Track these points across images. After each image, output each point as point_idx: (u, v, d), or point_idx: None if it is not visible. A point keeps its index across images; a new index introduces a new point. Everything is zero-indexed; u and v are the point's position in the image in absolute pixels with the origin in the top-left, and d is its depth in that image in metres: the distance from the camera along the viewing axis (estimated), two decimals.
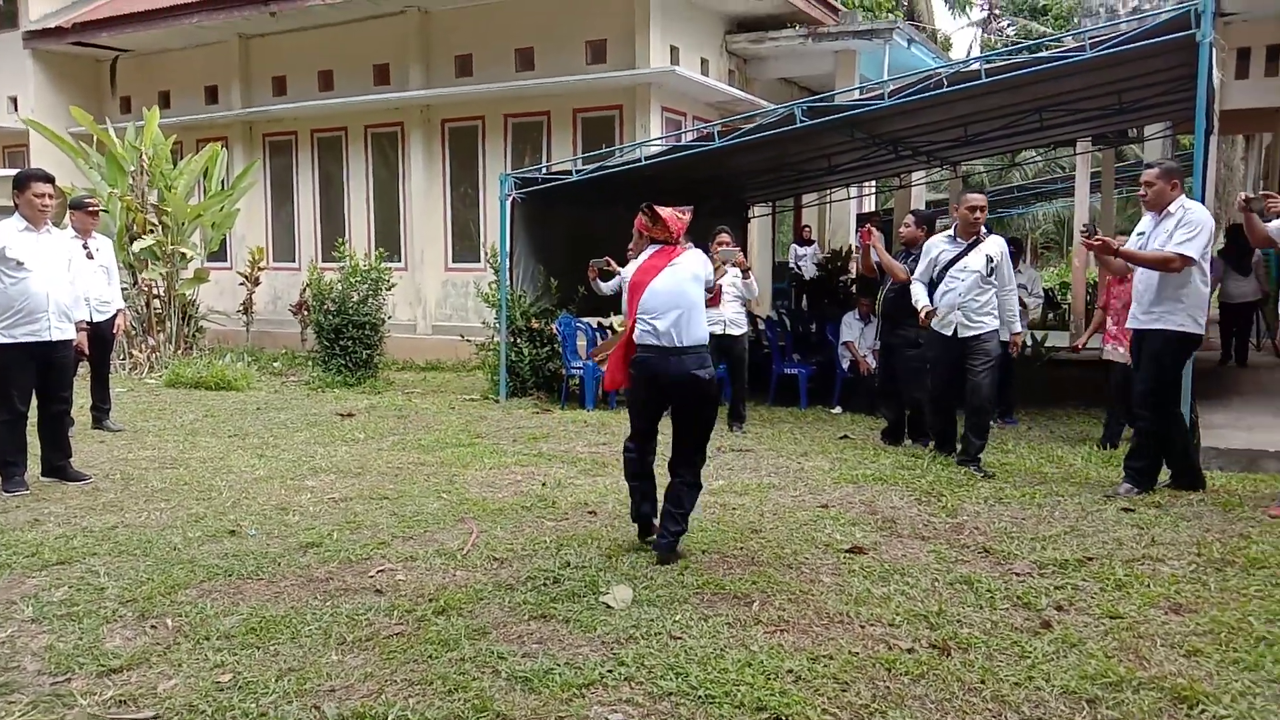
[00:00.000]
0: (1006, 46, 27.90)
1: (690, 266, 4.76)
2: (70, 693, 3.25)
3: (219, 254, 15.76)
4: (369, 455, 7.27)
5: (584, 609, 3.95)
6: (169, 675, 3.39)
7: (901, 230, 8.06)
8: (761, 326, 11.77)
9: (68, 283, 6.39)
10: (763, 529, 5.17)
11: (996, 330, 6.77)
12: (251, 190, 14.98)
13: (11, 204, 6.19)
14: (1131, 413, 7.46)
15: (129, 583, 4.32)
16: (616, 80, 12.99)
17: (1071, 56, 7.67)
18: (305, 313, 13.71)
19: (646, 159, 9.79)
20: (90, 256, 8.17)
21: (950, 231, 6.98)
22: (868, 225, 8.19)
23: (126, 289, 11.35)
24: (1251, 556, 4.53)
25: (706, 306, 4.88)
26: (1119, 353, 7.27)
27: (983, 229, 6.83)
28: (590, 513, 5.55)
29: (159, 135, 13.21)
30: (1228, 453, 6.58)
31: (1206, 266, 5.69)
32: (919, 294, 6.93)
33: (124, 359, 12.46)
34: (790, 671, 3.35)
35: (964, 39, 38.03)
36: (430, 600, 4.07)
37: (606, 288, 9.25)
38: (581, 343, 10.27)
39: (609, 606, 3.98)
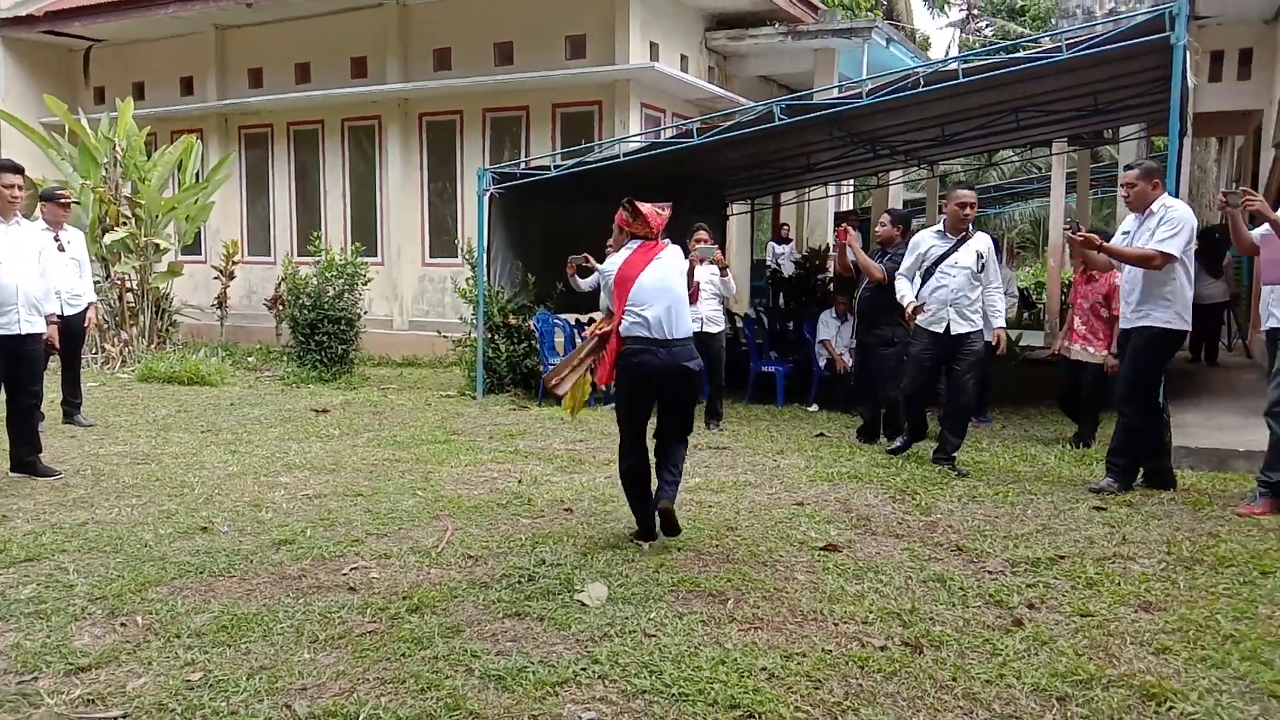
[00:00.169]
0: (984, 47, 28.06)
1: (674, 261, 4.88)
2: (37, 692, 3.21)
3: (193, 247, 15.59)
4: (343, 452, 7.22)
5: (559, 607, 3.95)
6: (138, 674, 3.35)
7: (878, 230, 8.09)
8: (739, 324, 11.79)
9: (38, 275, 6.32)
10: (738, 526, 5.18)
11: (982, 330, 6.80)
12: (226, 183, 14.85)
13: None
14: (1094, 411, 7.57)
15: (98, 580, 4.27)
16: (596, 76, 12.96)
17: (1048, 58, 7.72)
18: (280, 307, 13.60)
19: (625, 155, 9.78)
20: (61, 249, 8.08)
21: (939, 227, 6.91)
22: (844, 225, 8.21)
23: (99, 282, 11.23)
24: (1220, 555, 4.58)
25: None
26: (1089, 353, 7.32)
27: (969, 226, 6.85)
28: (566, 510, 5.54)
29: (133, 127, 13.07)
30: (1198, 452, 6.65)
31: (1190, 264, 5.76)
32: (905, 289, 6.85)
33: (96, 353, 12.33)
34: (764, 669, 3.36)
35: (942, 39, 38.20)
36: (404, 598, 4.05)
37: (585, 284, 9.27)
38: (559, 339, 10.25)
39: (584, 604, 3.97)
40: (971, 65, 8.22)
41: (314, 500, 5.75)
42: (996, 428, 8.51)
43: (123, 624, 3.80)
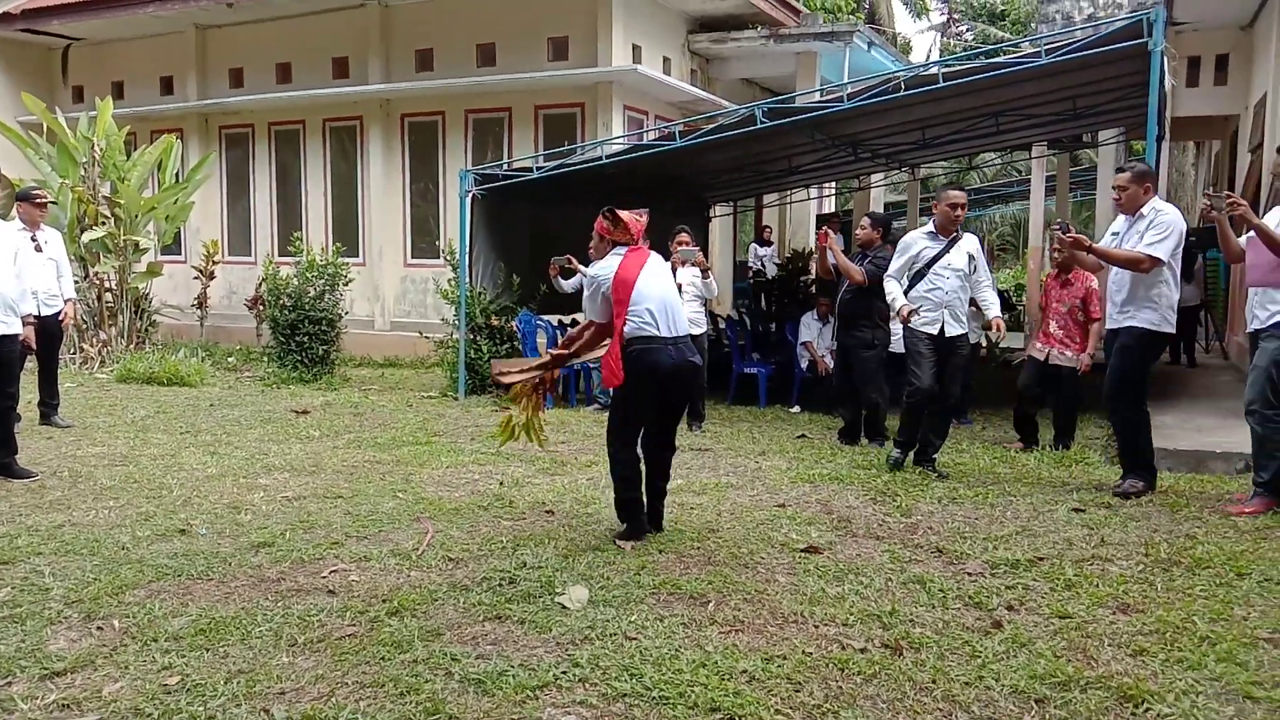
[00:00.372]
0: (965, 51, 28.22)
1: (663, 265, 5.11)
2: (10, 697, 3.18)
3: (173, 247, 15.52)
4: (324, 453, 7.19)
5: (539, 610, 3.94)
6: (114, 678, 3.32)
7: (858, 233, 8.10)
8: (722, 326, 11.81)
9: (13, 276, 6.27)
10: (720, 528, 5.19)
11: (968, 333, 6.81)
12: (207, 183, 14.77)
13: None
14: (1072, 413, 7.62)
15: (75, 583, 4.24)
16: (578, 78, 12.96)
17: (1028, 63, 7.78)
18: (261, 308, 13.54)
19: (608, 157, 9.78)
20: (39, 249, 8.01)
21: (930, 228, 6.78)
22: (824, 228, 8.23)
23: (77, 282, 11.13)
24: (1197, 557, 4.61)
25: None
26: (1066, 356, 7.36)
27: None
28: (548, 512, 5.53)
29: (112, 126, 12.97)
30: (1176, 453, 6.69)
31: (1177, 268, 5.80)
32: (895, 291, 6.68)
33: (74, 353, 12.23)
34: (744, 672, 3.36)
35: (923, 43, 38.40)
36: (384, 601, 4.03)
37: (568, 285, 9.31)
38: (541, 340, 10.23)
39: (565, 607, 3.97)
40: (952, 70, 8.27)
41: (294, 502, 5.72)
42: (977, 429, 8.56)
43: (99, 627, 3.76)
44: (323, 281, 11.55)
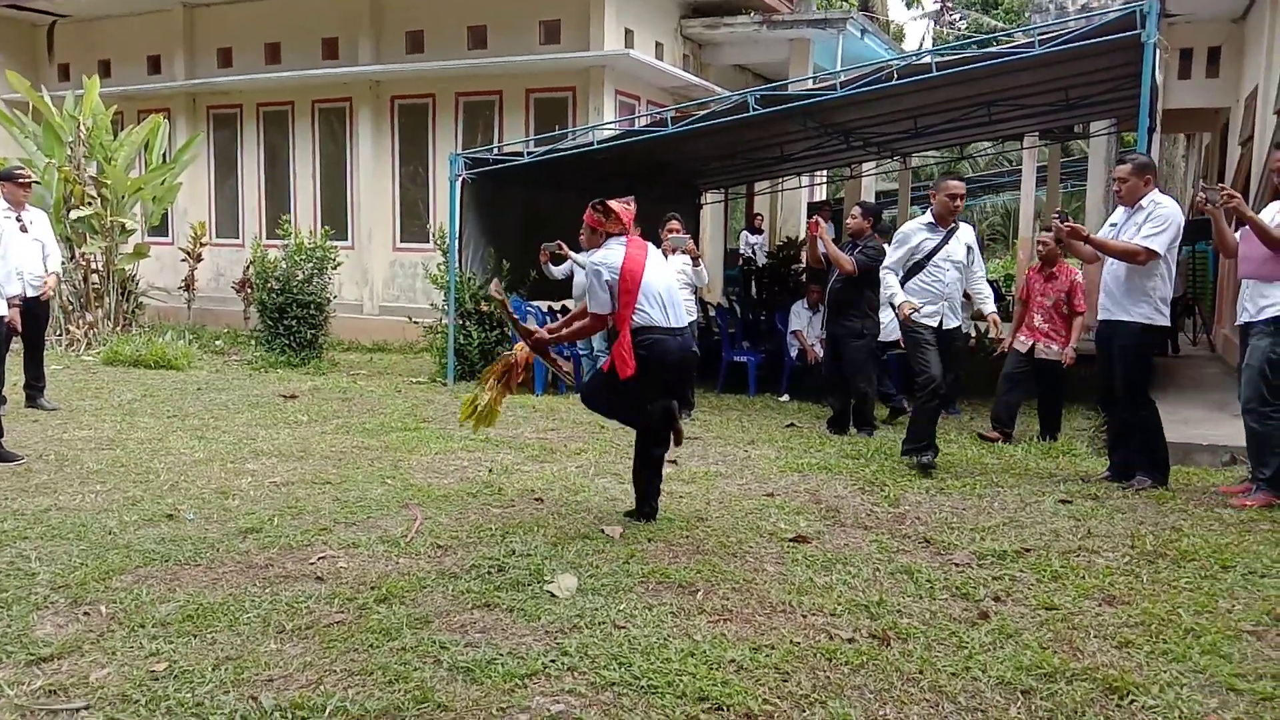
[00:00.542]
0: (958, 39, 28.20)
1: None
2: None
3: (160, 229, 15.42)
4: (312, 438, 7.17)
5: (528, 598, 3.94)
6: (101, 664, 3.31)
7: (849, 222, 8.10)
8: (712, 313, 11.80)
9: None
10: (709, 517, 5.19)
11: (961, 324, 6.81)
12: (194, 164, 14.65)
13: None
14: (1057, 405, 7.65)
15: (61, 568, 4.22)
16: (570, 61, 12.90)
17: (1021, 53, 7.77)
18: (248, 291, 13.47)
19: (599, 143, 9.74)
20: (24, 229, 7.94)
21: (928, 219, 6.66)
22: (815, 218, 8.22)
23: (64, 263, 11.05)
24: (1182, 549, 4.64)
25: None
26: (1051, 350, 7.39)
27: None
28: (537, 499, 5.53)
29: (99, 105, 12.84)
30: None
31: (1173, 261, 5.80)
32: (893, 286, 6.53)
33: (60, 335, 12.15)
34: (733, 661, 3.37)
35: (917, 30, 38.36)
36: (372, 588, 4.03)
37: (558, 272, 9.28)
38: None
39: (554, 595, 3.97)
40: (945, 59, 8.25)
41: (282, 488, 5.70)
42: (965, 420, 8.58)
43: (86, 613, 3.75)
44: (311, 265, 11.49)
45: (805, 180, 16.91)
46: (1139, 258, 5.64)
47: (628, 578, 4.19)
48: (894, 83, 8.19)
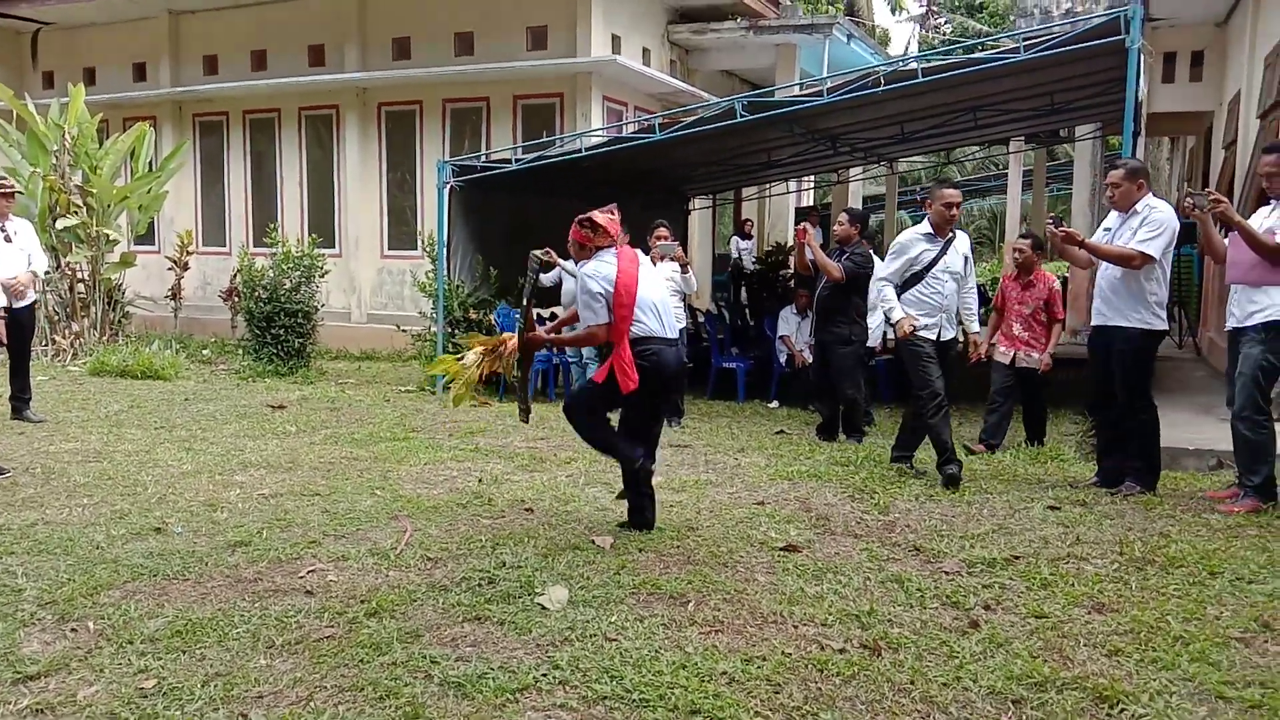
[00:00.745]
0: (943, 43, 28.32)
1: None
2: None
3: (146, 237, 15.34)
4: (300, 449, 7.14)
5: (519, 610, 3.93)
6: (89, 681, 3.28)
7: (835, 229, 8.10)
8: (701, 320, 11.81)
9: None
10: (699, 527, 5.19)
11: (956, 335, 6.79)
12: (180, 172, 14.59)
13: None
14: (1042, 411, 7.67)
15: (48, 583, 4.19)
16: (557, 68, 12.90)
17: (1006, 58, 7.81)
18: (236, 299, 13.42)
19: (587, 150, 9.74)
20: (9, 239, 7.89)
21: (926, 229, 6.46)
22: (803, 224, 8.24)
23: (49, 273, 10.99)
24: (1170, 556, 4.66)
25: None
26: (1032, 358, 7.41)
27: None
28: (527, 510, 5.52)
29: (84, 113, 12.79)
30: None
31: (1168, 266, 5.81)
32: (891, 300, 6.38)
33: (46, 345, 12.08)
34: (724, 673, 3.36)
35: (902, 34, 38.53)
36: (362, 602, 4.01)
37: (546, 279, 9.26)
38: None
39: (544, 607, 3.96)
40: (931, 65, 8.29)
41: (270, 500, 5.67)
42: (954, 427, 8.58)
43: (73, 629, 3.72)
44: (299, 273, 11.46)
45: (793, 185, 16.96)
46: (1134, 262, 5.65)
47: (619, 589, 4.18)
48: (880, 89, 8.22)
